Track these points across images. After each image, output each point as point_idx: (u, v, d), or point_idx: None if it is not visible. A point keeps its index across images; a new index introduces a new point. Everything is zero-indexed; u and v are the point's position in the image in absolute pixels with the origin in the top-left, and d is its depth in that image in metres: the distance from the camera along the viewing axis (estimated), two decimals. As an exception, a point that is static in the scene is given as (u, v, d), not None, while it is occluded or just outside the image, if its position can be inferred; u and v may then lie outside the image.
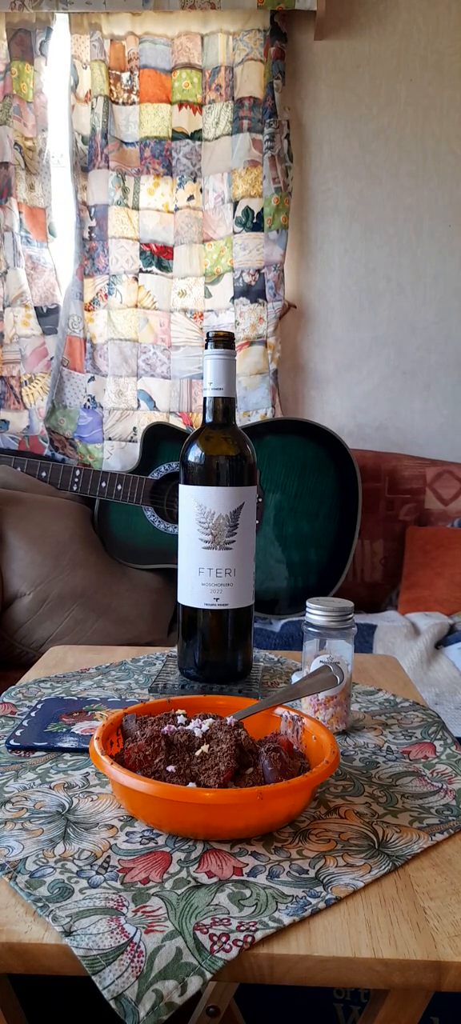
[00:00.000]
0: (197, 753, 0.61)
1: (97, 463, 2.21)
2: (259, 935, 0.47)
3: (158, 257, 2.22)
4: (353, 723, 0.82)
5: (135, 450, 2.20)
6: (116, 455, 2.22)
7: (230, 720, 0.65)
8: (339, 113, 2.25)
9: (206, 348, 0.89)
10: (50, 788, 0.66)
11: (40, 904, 0.49)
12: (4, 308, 2.24)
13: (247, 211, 2.18)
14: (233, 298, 2.21)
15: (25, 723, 0.79)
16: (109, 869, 0.53)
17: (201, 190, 2.22)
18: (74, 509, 1.95)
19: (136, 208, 2.21)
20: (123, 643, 1.76)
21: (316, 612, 0.79)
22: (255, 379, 2.22)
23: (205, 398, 0.91)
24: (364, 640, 1.69)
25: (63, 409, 2.22)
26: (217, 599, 0.88)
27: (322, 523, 1.98)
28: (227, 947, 0.46)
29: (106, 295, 2.22)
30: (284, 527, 1.97)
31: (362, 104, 2.24)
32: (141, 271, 2.22)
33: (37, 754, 0.73)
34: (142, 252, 2.22)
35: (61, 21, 2.16)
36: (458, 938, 0.47)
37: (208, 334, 0.90)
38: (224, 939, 0.46)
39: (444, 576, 1.97)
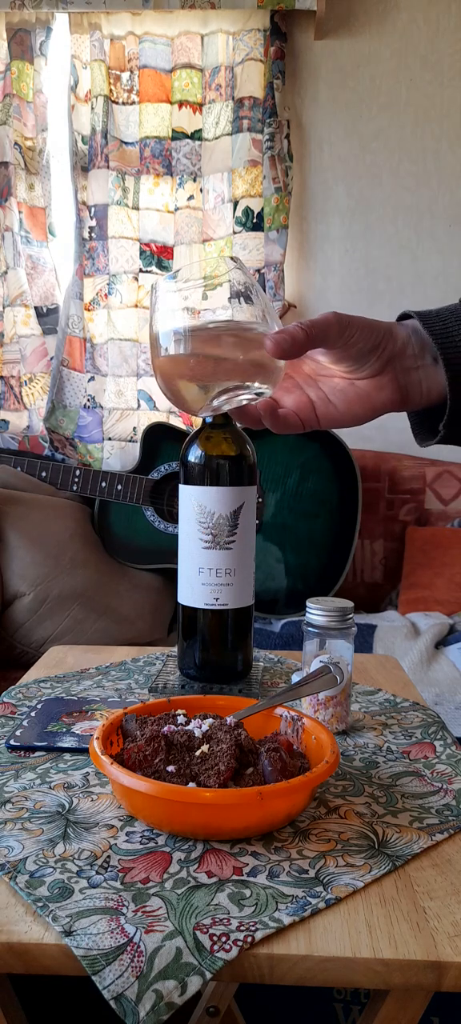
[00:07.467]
0: (197, 753, 0.61)
1: (97, 463, 2.21)
2: (259, 935, 0.47)
3: (158, 257, 2.22)
4: (353, 723, 0.82)
5: (135, 450, 2.20)
6: (116, 455, 2.22)
7: (230, 720, 0.65)
8: (339, 113, 2.24)
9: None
10: (50, 788, 0.66)
11: (40, 904, 0.49)
12: (4, 308, 2.24)
13: (247, 211, 2.18)
14: (231, 298, 2.21)
15: (25, 723, 0.79)
16: (109, 869, 0.53)
17: (201, 190, 2.21)
18: (74, 509, 1.95)
19: (136, 208, 2.21)
20: (123, 643, 1.76)
21: (316, 612, 0.79)
22: (255, 379, 2.22)
23: (205, 398, 0.91)
24: (364, 640, 1.69)
25: (63, 409, 2.22)
26: (217, 599, 0.88)
27: (322, 523, 1.98)
28: (227, 947, 0.46)
29: (106, 295, 2.22)
30: (284, 527, 1.97)
31: (362, 104, 2.24)
32: (141, 271, 2.22)
33: (37, 754, 0.73)
34: (142, 252, 2.22)
35: (61, 21, 2.16)
36: (458, 938, 0.47)
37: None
38: (224, 939, 0.46)
39: (444, 576, 1.97)
